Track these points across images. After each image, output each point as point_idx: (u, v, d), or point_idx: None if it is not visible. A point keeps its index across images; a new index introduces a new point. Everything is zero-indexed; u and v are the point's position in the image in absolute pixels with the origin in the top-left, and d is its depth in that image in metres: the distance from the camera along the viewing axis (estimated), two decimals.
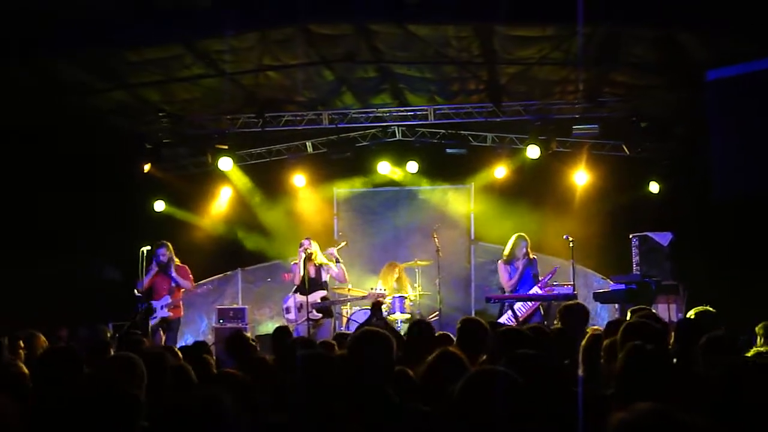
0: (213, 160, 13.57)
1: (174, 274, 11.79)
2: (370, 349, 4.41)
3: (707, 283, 10.79)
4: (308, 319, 11.35)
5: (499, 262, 11.77)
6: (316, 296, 11.76)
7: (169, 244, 11.91)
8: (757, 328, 7.74)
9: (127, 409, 3.37)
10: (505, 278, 11.56)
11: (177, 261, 11.95)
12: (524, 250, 11.50)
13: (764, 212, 10.39)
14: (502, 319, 10.84)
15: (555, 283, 11.27)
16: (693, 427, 2.55)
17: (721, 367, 3.81)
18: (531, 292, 11.21)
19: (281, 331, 8.10)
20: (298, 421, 3.84)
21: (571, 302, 8.77)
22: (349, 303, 12.83)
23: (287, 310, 12.00)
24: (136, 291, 11.69)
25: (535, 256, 11.64)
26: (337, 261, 12.17)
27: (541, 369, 4.11)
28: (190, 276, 12.09)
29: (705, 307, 7.20)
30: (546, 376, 4.00)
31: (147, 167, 13.50)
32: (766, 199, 9.94)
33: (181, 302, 12.04)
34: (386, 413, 4.01)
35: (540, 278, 11.39)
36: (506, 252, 11.63)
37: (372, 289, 12.28)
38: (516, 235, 11.68)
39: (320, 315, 11.77)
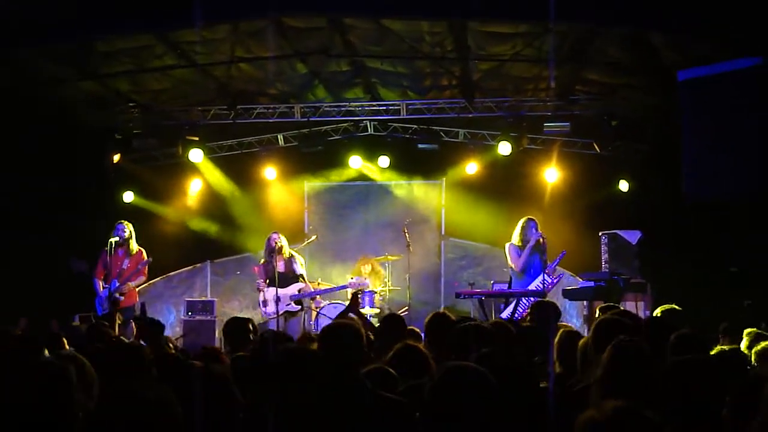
0: (183, 151, 13.45)
1: (126, 258, 11.22)
2: (339, 338, 4.44)
3: (674, 281, 10.90)
4: (278, 313, 11.26)
5: (507, 243, 11.28)
6: (293, 289, 11.63)
7: (129, 225, 11.38)
8: (720, 328, 7.86)
9: (59, 383, 3.30)
10: (512, 257, 11.08)
11: (134, 248, 11.32)
12: (532, 230, 11.00)
13: (732, 213, 10.49)
14: (504, 314, 10.57)
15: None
16: (662, 426, 2.55)
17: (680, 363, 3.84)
18: (537, 280, 10.72)
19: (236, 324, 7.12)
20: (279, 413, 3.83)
21: (542, 300, 8.78)
22: (319, 296, 12.77)
23: (264, 303, 11.73)
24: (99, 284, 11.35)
25: (544, 239, 10.96)
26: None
27: (509, 365, 4.13)
28: (143, 273, 11.43)
29: (671, 306, 7.24)
30: (514, 372, 4.01)
31: (116, 158, 13.38)
32: (735, 200, 10.03)
33: (133, 290, 11.33)
34: (360, 400, 4.02)
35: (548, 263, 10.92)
36: (517, 237, 11.12)
37: (352, 278, 12.27)
38: (525, 218, 11.23)
39: (299, 307, 11.70)
